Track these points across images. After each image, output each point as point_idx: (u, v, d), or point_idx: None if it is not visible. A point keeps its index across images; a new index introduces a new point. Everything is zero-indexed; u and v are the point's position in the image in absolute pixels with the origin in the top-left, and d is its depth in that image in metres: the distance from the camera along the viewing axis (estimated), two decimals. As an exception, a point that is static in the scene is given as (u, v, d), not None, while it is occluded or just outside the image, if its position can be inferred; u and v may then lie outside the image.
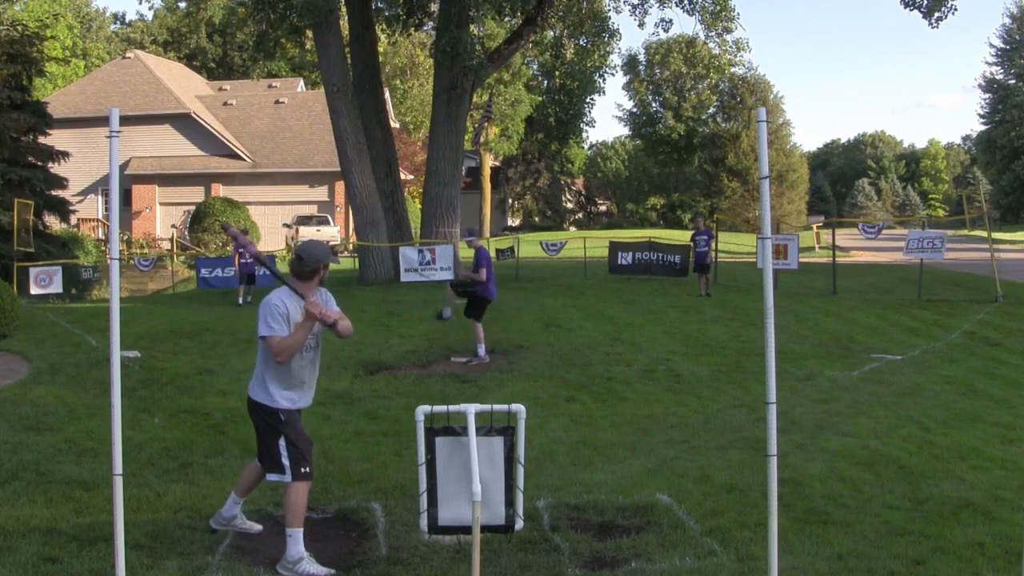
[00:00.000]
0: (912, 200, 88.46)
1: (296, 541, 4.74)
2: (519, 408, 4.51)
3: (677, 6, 23.15)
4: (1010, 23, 62.06)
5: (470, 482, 4.25)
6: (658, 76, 65.66)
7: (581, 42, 25.82)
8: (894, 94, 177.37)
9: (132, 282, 26.56)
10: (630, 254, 21.72)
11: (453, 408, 4.44)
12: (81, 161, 31.83)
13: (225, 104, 41.53)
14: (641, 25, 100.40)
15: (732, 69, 29.94)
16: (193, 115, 37.46)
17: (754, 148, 54.99)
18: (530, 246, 26.87)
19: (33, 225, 21.94)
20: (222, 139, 37.81)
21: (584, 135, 56.20)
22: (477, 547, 4.23)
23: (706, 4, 22.70)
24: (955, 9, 19.84)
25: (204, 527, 5.33)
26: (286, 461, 4.79)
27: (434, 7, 24.16)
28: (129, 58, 42.64)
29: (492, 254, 24.06)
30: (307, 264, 5.07)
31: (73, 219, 29.75)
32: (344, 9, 22.48)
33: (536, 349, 11.75)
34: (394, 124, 36.02)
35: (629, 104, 67.14)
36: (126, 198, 37.12)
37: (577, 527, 5.37)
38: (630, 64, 65.29)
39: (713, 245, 19.06)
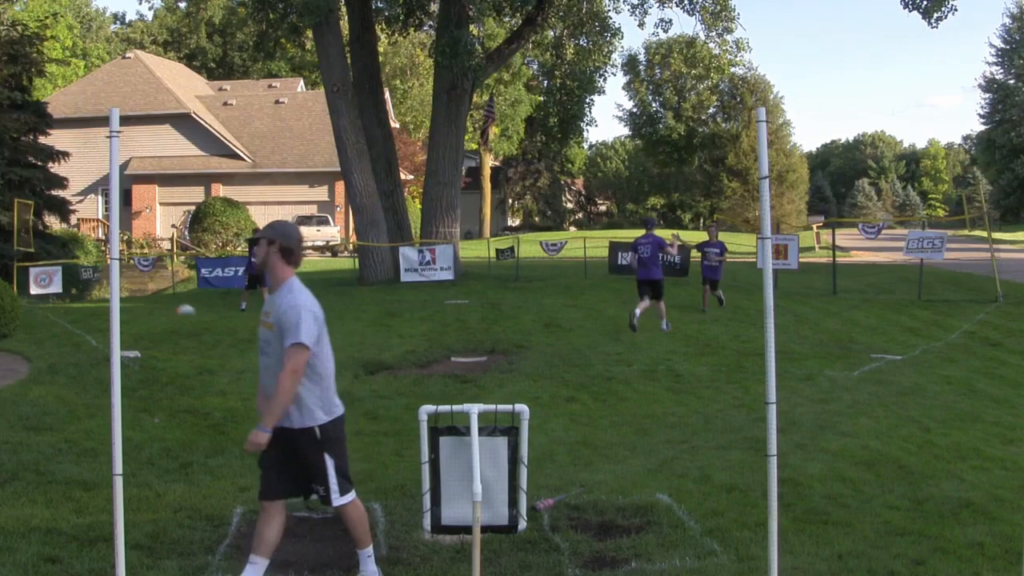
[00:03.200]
0: (912, 200, 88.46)
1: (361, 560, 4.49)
2: (523, 408, 4.51)
3: (677, 6, 23.16)
4: (1010, 23, 61.98)
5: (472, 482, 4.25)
6: (658, 76, 65.71)
7: (581, 42, 25.82)
8: (894, 94, 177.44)
9: (132, 282, 26.56)
10: (630, 254, 21.71)
11: (457, 408, 4.44)
12: (81, 161, 31.83)
13: (225, 104, 41.54)
14: (641, 25, 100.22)
15: (732, 69, 29.92)
16: (193, 115, 37.46)
17: (754, 148, 55.00)
18: (530, 246, 26.87)
19: (33, 225, 21.93)
20: (222, 139, 37.82)
21: (585, 134, 56.29)
22: (477, 547, 4.23)
23: (706, 4, 22.70)
24: (955, 9, 19.84)
25: (204, 527, 5.33)
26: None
27: (434, 7, 24.16)
28: (129, 58, 42.65)
29: (492, 254, 24.13)
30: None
31: (73, 219, 29.75)
32: (344, 9, 22.49)
33: (536, 349, 11.75)
34: (394, 124, 36.03)
35: (629, 104, 67.25)
36: (126, 198, 37.12)
37: (577, 527, 5.37)
38: (630, 64, 65.22)
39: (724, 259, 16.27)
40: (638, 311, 13.00)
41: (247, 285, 17.33)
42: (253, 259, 17.04)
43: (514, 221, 65.89)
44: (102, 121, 32.48)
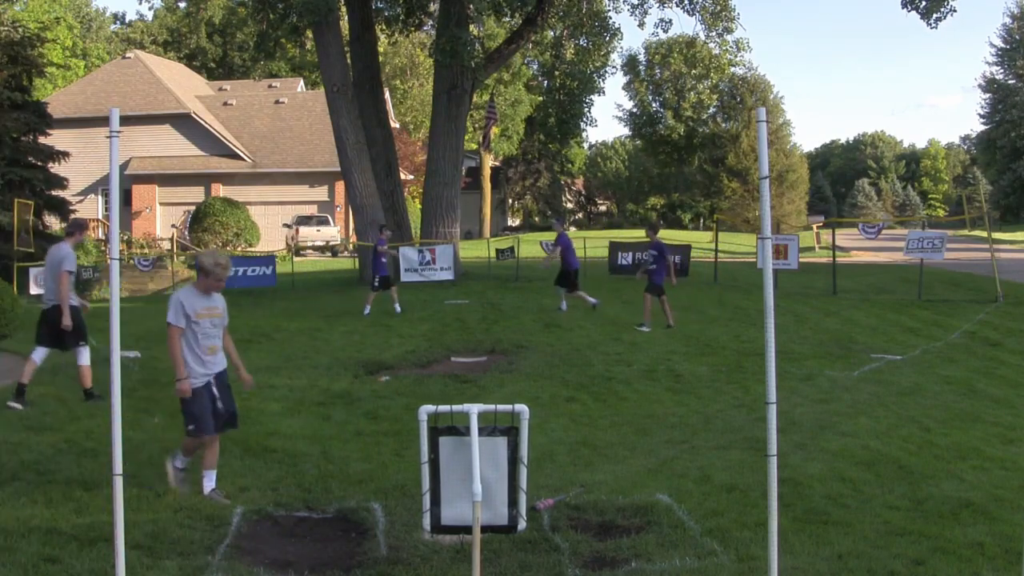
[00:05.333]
0: (912, 200, 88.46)
1: None
2: (522, 408, 4.51)
3: (677, 6, 23.17)
4: (1010, 23, 62.05)
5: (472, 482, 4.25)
6: (658, 76, 65.69)
7: (581, 42, 25.82)
8: (894, 94, 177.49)
9: (132, 282, 26.54)
10: (630, 254, 21.73)
11: (456, 408, 4.43)
12: (81, 161, 31.83)
13: (225, 104, 41.54)
14: (641, 25, 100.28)
15: (732, 69, 29.94)
16: (193, 115, 37.46)
17: (754, 148, 54.99)
18: (530, 246, 26.87)
19: (33, 225, 21.93)
20: (222, 139, 37.82)
21: (585, 134, 56.29)
22: (477, 547, 4.23)
23: (706, 4, 22.71)
24: (954, 10, 19.82)
25: (204, 527, 5.33)
26: None
27: (434, 7, 24.17)
28: (129, 58, 42.65)
29: (492, 254, 24.14)
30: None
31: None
32: (344, 9, 22.48)
33: (536, 349, 11.75)
34: (394, 124, 36.04)
35: (629, 104, 67.25)
36: (126, 198, 37.12)
37: (577, 527, 5.37)
38: (630, 64, 65.33)
39: (668, 262, 13.96)
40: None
41: (376, 286, 15.78)
42: (383, 259, 15.87)
43: (514, 221, 65.88)
44: (102, 121, 32.47)
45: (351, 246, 23.25)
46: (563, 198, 71.12)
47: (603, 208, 76.02)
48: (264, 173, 37.76)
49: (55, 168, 24.87)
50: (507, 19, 27.29)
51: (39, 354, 8.78)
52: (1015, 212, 61.52)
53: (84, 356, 8.86)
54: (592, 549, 5.03)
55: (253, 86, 46.93)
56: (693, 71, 61.78)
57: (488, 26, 38.44)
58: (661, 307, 13.78)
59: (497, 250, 24.20)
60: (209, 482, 5.98)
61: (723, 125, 63.51)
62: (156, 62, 43.39)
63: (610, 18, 26.08)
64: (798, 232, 32.66)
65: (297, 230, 35.28)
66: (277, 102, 41.93)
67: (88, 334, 9.05)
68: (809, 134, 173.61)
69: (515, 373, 10.31)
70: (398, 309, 15.57)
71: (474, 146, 48.89)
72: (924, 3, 19.85)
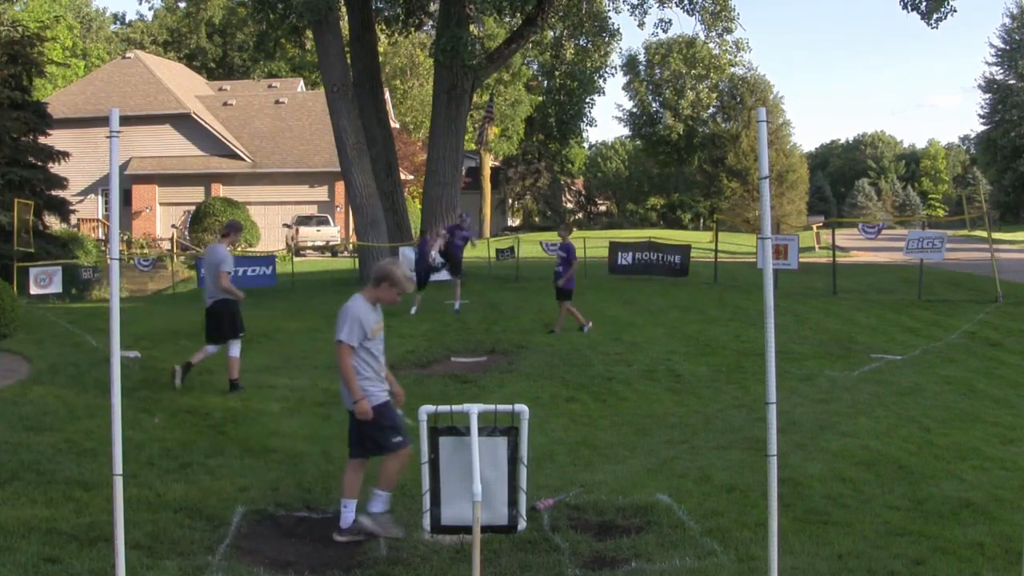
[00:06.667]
0: (912, 200, 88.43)
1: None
2: (522, 408, 4.51)
3: (677, 6, 23.15)
4: (1010, 23, 61.98)
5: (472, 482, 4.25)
6: (658, 76, 65.69)
7: (581, 42, 25.82)
8: (894, 94, 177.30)
9: (132, 282, 26.54)
10: (630, 254, 21.70)
11: (456, 408, 4.44)
12: (81, 161, 31.83)
13: (225, 104, 41.53)
14: (641, 25, 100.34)
15: (732, 69, 29.97)
16: (193, 115, 37.46)
17: (754, 148, 54.99)
18: (530, 246, 26.85)
19: (33, 225, 21.93)
20: (222, 139, 37.82)
21: (584, 134, 56.20)
22: (477, 547, 4.23)
23: (706, 4, 22.70)
24: (954, 11, 19.78)
25: (204, 527, 5.33)
26: None
27: (434, 7, 24.17)
28: (129, 58, 42.66)
29: (492, 254, 24.14)
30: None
31: (73, 219, 29.75)
32: (344, 9, 22.48)
33: (536, 349, 11.75)
34: (394, 124, 36.03)
35: (629, 104, 67.26)
36: (126, 198, 37.12)
37: (577, 527, 5.37)
38: (630, 64, 65.34)
39: (572, 267, 13.14)
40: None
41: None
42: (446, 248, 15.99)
43: (514, 221, 65.83)
44: (102, 121, 32.47)
45: (351, 246, 23.23)
46: (563, 198, 71.08)
47: (603, 208, 75.97)
48: (264, 173, 37.76)
49: (55, 168, 24.88)
50: (507, 19, 27.30)
51: (212, 348, 9.55)
52: (1015, 212, 61.53)
53: (236, 348, 9.42)
54: (592, 549, 5.04)
55: (253, 86, 46.94)
56: (693, 71, 61.81)
57: (488, 26, 38.44)
58: (560, 311, 13.26)
59: (497, 250, 24.20)
60: (380, 504, 5.20)
61: (723, 125, 63.50)
62: (156, 62, 43.39)
63: (610, 18, 26.08)
64: (798, 232, 32.64)
65: (297, 230, 35.28)
66: (277, 102, 41.93)
67: (243, 328, 9.57)
68: (809, 134, 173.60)
69: (515, 373, 10.31)
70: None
71: (474, 146, 48.88)
72: (924, 3, 19.83)
